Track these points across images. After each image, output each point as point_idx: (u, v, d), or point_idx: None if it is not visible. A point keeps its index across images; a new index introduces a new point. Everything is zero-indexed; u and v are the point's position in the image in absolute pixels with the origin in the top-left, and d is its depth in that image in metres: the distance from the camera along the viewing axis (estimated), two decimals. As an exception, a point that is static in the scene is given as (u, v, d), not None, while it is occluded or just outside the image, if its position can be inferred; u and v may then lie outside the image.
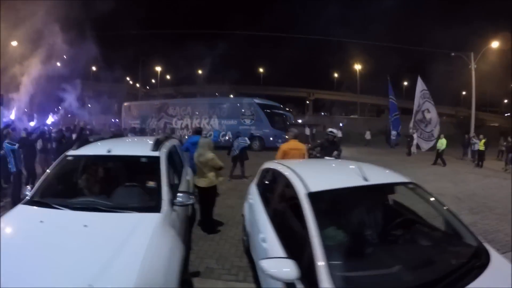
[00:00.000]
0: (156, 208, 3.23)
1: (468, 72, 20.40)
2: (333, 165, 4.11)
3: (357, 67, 48.40)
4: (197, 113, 21.55)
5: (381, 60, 35.45)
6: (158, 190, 3.50)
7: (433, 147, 17.41)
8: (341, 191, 2.80)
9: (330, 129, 8.16)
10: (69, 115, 22.24)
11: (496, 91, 38.08)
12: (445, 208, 2.90)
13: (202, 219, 5.58)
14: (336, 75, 57.92)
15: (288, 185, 3.01)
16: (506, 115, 44.80)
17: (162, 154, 4.06)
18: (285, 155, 5.93)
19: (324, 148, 7.52)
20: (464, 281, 2.07)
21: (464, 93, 37.36)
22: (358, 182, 2.79)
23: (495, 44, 19.72)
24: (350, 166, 3.24)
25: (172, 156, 4.70)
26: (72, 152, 4.10)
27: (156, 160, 3.88)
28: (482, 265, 2.24)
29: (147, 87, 54.09)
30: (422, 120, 19.86)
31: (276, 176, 3.72)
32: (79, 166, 4.26)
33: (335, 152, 7.48)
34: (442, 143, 15.49)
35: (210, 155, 5.13)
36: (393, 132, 23.68)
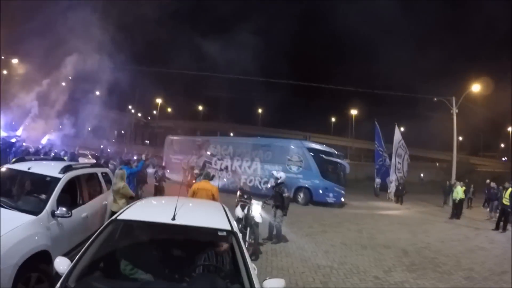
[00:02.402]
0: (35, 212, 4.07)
1: (463, 117, 20.82)
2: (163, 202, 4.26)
3: (353, 112, 48.46)
4: (238, 154, 18.58)
5: (373, 106, 35.34)
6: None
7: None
8: (145, 223, 3.02)
9: (275, 172, 8.78)
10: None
11: (492, 135, 37.72)
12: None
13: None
14: (333, 119, 58.00)
15: None
16: (503, 159, 43.72)
17: (66, 176, 4.80)
18: (194, 194, 6.22)
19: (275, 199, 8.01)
20: None
21: (460, 138, 36.91)
22: (165, 220, 2.86)
23: (476, 88, 19.80)
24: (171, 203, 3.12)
25: (82, 180, 5.43)
26: None
27: (55, 180, 4.67)
28: None
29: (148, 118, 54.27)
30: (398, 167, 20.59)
31: None
32: None
33: (279, 213, 7.83)
34: (458, 192, 13.88)
35: (121, 184, 5.98)
36: (377, 180, 22.96)
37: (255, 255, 6.50)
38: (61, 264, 2.51)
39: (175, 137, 23.77)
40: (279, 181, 8.18)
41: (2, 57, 21.65)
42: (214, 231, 3.00)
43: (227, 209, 3.68)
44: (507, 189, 11.68)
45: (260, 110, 61.80)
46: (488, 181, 16.47)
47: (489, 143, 42.36)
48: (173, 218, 2.88)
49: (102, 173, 6.38)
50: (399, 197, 18.65)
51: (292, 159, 16.76)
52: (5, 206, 4.13)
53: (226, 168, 18.42)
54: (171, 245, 3.28)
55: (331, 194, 15.58)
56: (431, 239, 9.52)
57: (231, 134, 35.69)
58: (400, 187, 19.00)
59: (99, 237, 2.82)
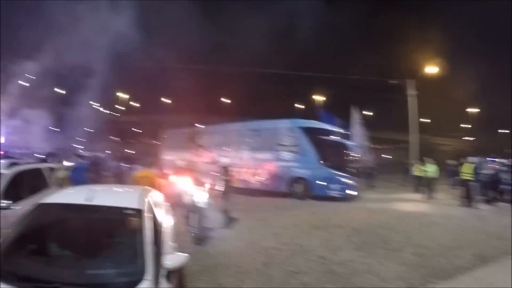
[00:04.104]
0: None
1: (424, 98, 21.35)
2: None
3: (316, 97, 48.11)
4: (226, 143, 16.08)
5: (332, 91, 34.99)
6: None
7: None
8: (64, 205, 3.43)
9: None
10: None
11: (455, 116, 38.83)
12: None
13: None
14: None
15: None
16: (464, 138, 45.17)
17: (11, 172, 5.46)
18: (137, 183, 6.44)
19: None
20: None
21: (421, 120, 37.71)
22: (83, 201, 3.29)
23: (430, 70, 20.41)
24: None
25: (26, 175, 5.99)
26: None
27: None
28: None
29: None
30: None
31: None
32: None
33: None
34: (429, 168, 13.48)
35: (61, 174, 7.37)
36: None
37: (200, 241, 6.50)
38: None
39: (168, 131, 22.07)
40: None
41: None
42: (123, 209, 3.32)
43: (148, 193, 4.02)
44: (462, 164, 12.18)
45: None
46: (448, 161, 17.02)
47: (452, 123, 43.36)
48: (89, 200, 3.33)
49: (49, 168, 6.99)
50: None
51: (283, 143, 13.86)
52: None
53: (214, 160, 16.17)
54: (87, 223, 3.47)
55: (333, 186, 12.48)
56: (387, 217, 9.41)
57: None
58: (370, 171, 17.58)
59: (26, 219, 3.25)
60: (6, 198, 4.86)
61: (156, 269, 2.71)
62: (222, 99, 50.55)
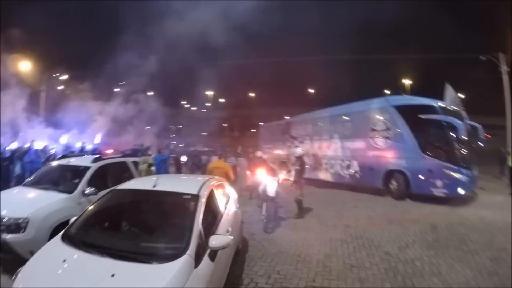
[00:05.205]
0: (69, 192, 5.65)
1: None
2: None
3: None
4: (317, 132, 14.82)
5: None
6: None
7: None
8: (131, 190, 4.23)
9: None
10: None
11: None
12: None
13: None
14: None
15: None
16: None
17: (95, 165, 6.39)
18: (210, 173, 7.16)
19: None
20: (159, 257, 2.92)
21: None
22: (148, 187, 4.00)
23: None
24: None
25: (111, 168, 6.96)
26: None
27: (86, 168, 6.24)
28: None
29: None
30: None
31: None
32: None
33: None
34: None
35: (143, 166, 8.27)
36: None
37: (270, 229, 6.98)
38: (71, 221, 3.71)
39: (265, 124, 22.53)
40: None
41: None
42: (183, 194, 3.85)
43: (211, 182, 4.50)
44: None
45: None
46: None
47: None
48: (155, 186, 3.98)
49: (132, 162, 7.91)
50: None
51: (376, 128, 11.50)
52: (49, 190, 5.75)
53: (307, 152, 14.32)
54: (149, 205, 4.15)
55: (439, 182, 9.51)
56: (470, 213, 8.42)
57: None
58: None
59: (99, 201, 4.02)
60: (91, 186, 5.76)
61: (200, 247, 3.11)
62: (309, 89, 50.14)
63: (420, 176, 9.87)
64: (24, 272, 2.86)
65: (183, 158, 18.86)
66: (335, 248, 5.88)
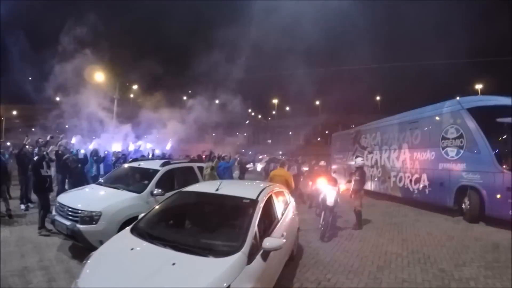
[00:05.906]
0: (139, 192, 6.33)
1: None
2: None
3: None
4: (385, 141, 13.85)
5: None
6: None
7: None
8: (196, 193, 4.72)
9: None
10: None
11: None
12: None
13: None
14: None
15: None
16: None
17: (163, 169, 7.03)
18: (271, 180, 7.39)
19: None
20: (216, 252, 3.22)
21: None
22: (211, 191, 4.50)
23: None
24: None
25: (177, 171, 7.54)
26: None
27: (155, 171, 6.95)
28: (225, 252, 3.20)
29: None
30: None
31: None
32: None
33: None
34: None
35: (207, 171, 8.31)
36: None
37: (326, 237, 7.20)
38: (140, 216, 4.23)
39: (336, 134, 22.00)
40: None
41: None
42: (242, 199, 4.22)
43: (270, 189, 4.87)
44: None
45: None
46: None
47: None
48: (217, 190, 4.44)
49: (197, 167, 8.46)
50: None
51: (448, 136, 10.07)
52: (121, 189, 6.49)
53: (376, 163, 14.17)
54: (212, 207, 4.66)
55: None
56: None
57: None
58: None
59: (166, 201, 4.57)
60: (159, 187, 6.34)
61: (254, 247, 3.39)
62: (378, 97, 48.32)
63: (497, 195, 8.32)
64: (96, 255, 3.33)
65: (249, 165, 19.55)
66: (389, 261, 5.95)
